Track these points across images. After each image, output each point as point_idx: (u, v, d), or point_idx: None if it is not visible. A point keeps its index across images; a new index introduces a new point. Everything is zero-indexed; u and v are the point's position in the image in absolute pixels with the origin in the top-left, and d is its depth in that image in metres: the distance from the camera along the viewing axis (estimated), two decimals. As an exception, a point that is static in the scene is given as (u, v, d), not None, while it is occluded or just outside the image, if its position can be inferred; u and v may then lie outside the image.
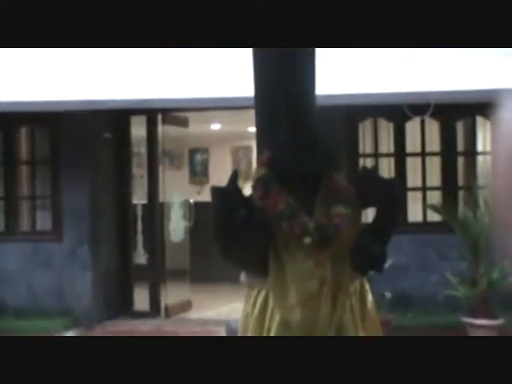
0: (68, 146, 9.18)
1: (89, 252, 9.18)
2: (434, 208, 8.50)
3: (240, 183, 3.33)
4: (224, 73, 8.02)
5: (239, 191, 3.28)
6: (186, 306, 9.97)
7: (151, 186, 9.89)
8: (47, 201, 9.46)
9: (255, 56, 3.79)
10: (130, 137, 9.92)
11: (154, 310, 9.63)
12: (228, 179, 3.29)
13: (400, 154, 9.04)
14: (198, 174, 14.90)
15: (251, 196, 3.28)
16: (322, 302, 3.14)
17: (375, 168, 4.03)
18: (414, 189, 8.99)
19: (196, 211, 10.06)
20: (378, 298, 5.45)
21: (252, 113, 3.87)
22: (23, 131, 9.64)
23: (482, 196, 7.95)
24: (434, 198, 8.98)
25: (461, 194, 9.07)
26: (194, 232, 10.10)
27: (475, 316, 7.68)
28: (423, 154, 9.06)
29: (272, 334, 3.17)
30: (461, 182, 9.07)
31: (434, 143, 9.11)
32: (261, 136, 3.81)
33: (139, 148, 11.39)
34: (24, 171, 9.64)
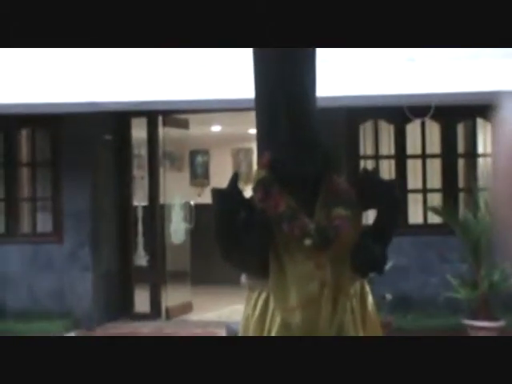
0: (69, 147, 9.18)
1: (89, 254, 9.18)
2: (435, 210, 8.50)
3: (240, 185, 3.33)
4: (224, 75, 8.02)
5: (240, 193, 3.28)
6: (187, 307, 9.97)
7: (152, 187, 9.90)
8: (48, 202, 9.46)
9: (255, 56, 3.79)
10: (131, 139, 9.92)
11: (155, 311, 9.63)
12: (228, 181, 3.29)
13: (400, 156, 9.04)
14: (199, 176, 14.90)
15: (252, 198, 3.28)
16: (322, 304, 3.14)
17: (376, 170, 4.04)
18: (415, 191, 8.99)
19: (196, 213, 10.06)
20: (379, 300, 5.45)
21: (252, 114, 3.87)
22: (24, 133, 9.64)
23: (482, 198, 7.95)
24: (435, 199, 8.98)
25: (461, 195, 9.07)
26: (194, 234, 10.10)
27: (476, 318, 7.68)
28: (424, 156, 9.06)
29: (272, 336, 3.17)
30: (461, 183, 9.07)
31: (434, 145, 9.11)
32: (261, 137, 3.81)
33: (140, 150, 11.39)
34: (24, 173, 9.65)
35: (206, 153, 15.23)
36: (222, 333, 7.17)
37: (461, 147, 9.14)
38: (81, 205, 9.15)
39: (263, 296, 3.25)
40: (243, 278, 3.47)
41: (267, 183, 3.22)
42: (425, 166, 9.05)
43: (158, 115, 9.63)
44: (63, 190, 9.26)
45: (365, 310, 3.31)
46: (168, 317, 9.57)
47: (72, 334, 8.57)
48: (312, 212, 3.22)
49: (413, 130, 9.04)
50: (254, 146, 4.90)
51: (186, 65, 8.16)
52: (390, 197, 3.38)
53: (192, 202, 10.25)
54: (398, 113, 8.66)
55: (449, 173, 8.99)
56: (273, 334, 3.17)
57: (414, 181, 9.04)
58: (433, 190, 9.05)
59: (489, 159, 8.69)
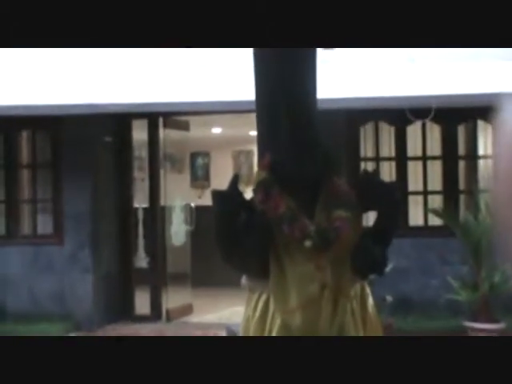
0: (69, 149, 9.19)
1: (90, 256, 9.18)
2: (435, 212, 8.50)
3: (241, 187, 3.33)
4: (225, 76, 8.02)
5: (240, 195, 3.28)
6: (187, 309, 9.97)
7: (152, 189, 9.89)
8: (48, 204, 9.46)
9: (255, 56, 3.79)
10: (131, 140, 9.92)
11: (155, 313, 9.62)
12: (229, 183, 3.29)
13: (401, 158, 9.04)
14: (199, 178, 14.91)
15: (252, 199, 3.28)
16: (322, 306, 3.13)
17: (376, 172, 4.04)
18: (415, 193, 8.99)
19: (197, 215, 10.06)
20: (379, 302, 5.45)
21: (253, 116, 3.87)
22: (24, 135, 9.64)
23: (483, 200, 7.95)
24: (435, 201, 8.98)
25: (462, 197, 9.07)
26: (195, 236, 10.10)
27: (477, 320, 7.67)
28: (424, 158, 9.06)
29: (273, 338, 3.17)
30: (462, 185, 9.07)
31: (435, 147, 9.10)
32: (261, 138, 3.80)
33: (140, 152, 11.40)
34: (25, 175, 9.65)
35: (206, 155, 15.23)
36: (223, 334, 7.17)
37: (461, 149, 9.14)
38: (81, 206, 9.15)
39: (263, 297, 3.25)
40: (243, 280, 3.46)
41: (267, 185, 3.22)
42: (425, 168, 9.05)
43: (158, 117, 9.63)
44: (63, 192, 9.26)
45: (365, 312, 3.31)
46: (168, 319, 9.56)
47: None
48: (312, 214, 3.22)
49: (413, 131, 9.04)
50: (254, 148, 4.92)
51: (186, 66, 8.16)
52: (391, 199, 3.38)
53: (192, 204, 10.24)
54: (399, 115, 8.66)
55: (449, 175, 8.99)
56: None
57: (414, 183, 9.04)
58: (433, 192, 9.05)
59: (489, 161, 8.69)
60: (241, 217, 3.21)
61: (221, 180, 5.39)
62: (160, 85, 8.21)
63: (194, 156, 13.38)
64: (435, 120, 8.82)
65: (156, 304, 9.65)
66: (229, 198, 3.26)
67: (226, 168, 14.23)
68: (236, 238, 3.20)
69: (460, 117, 8.94)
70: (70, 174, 9.19)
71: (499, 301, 7.83)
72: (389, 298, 7.87)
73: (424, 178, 9.05)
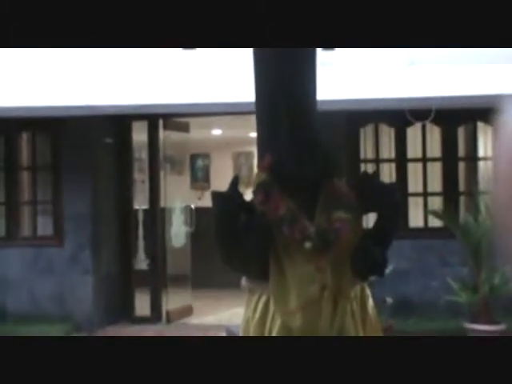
0: (69, 151, 9.19)
1: (90, 257, 9.18)
2: (435, 213, 8.50)
3: (241, 188, 3.33)
4: (225, 78, 8.02)
5: (240, 196, 3.28)
6: (187, 311, 9.97)
7: (152, 191, 9.89)
8: (48, 206, 9.46)
9: (255, 56, 3.79)
10: (131, 142, 9.92)
11: (155, 315, 9.62)
12: (229, 184, 3.29)
13: (401, 160, 9.04)
14: (199, 180, 14.89)
15: (252, 201, 3.28)
16: (322, 307, 3.13)
17: (376, 173, 4.04)
18: (415, 194, 8.99)
19: (197, 216, 10.06)
20: (379, 304, 5.44)
21: (253, 118, 3.87)
22: (24, 136, 9.64)
23: (483, 201, 7.95)
24: (435, 203, 8.98)
25: (462, 199, 9.07)
26: (195, 237, 10.10)
27: (477, 322, 7.67)
28: (424, 160, 9.06)
29: (273, 339, 3.16)
30: (462, 187, 9.07)
31: (435, 149, 9.11)
32: (261, 138, 3.81)
33: (140, 153, 11.38)
34: (25, 176, 9.65)
35: (206, 156, 15.22)
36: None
37: (461, 151, 9.14)
38: (81, 208, 9.15)
39: (263, 299, 3.24)
40: (243, 281, 3.46)
41: (267, 186, 3.22)
42: (425, 170, 9.05)
43: (158, 118, 9.63)
44: (64, 194, 9.26)
45: (365, 313, 3.30)
46: (168, 320, 9.56)
47: (72, 338, 8.57)
48: (312, 215, 3.21)
49: (413, 133, 9.05)
50: (254, 149, 4.92)
51: (186, 68, 8.16)
52: (391, 200, 3.38)
53: (192, 206, 10.24)
54: (399, 116, 8.67)
55: (449, 176, 8.99)
56: (273, 337, 3.17)
57: (414, 184, 9.04)
58: (433, 194, 9.05)
59: (489, 163, 8.69)
60: (241, 218, 3.21)
61: (221, 181, 5.39)
62: (160, 86, 8.21)
63: (193, 157, 13.37)
64: (435, 121, 8.83)
65: (156, 305, 9.65)
66: (229, 200, 3.26)
67: (225, 169, 14.21)
68: (236, 240, 3.20)
69: (460, 118, 8.94)
70: (70, 175, 9.19)
71: (499, 302, 7.83)
72: (389, 300, 7.87)
73: (424, 180, 9.06)
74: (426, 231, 8.94)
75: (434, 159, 9.06)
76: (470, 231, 7.83)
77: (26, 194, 9.61)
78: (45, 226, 9.43)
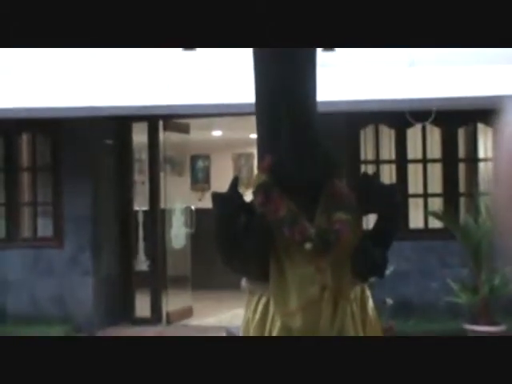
0: (69, 152, 9.19)
1: (90, 258, 9.18)
2: (436, 214, 8.50)
3: (241, 189, 3.33)
4: (225, 79, 8.02)
5: (240, 197, 3.28)
6: (188, 312, 9.97)
7: (153, 192, 9.89)
8: (48, 207, 9.46)
9: (255, 56, 3.79)
10: (132, 143, 9.92)
11: (156, 316, 9.62)
12: (229, 185, 3.29)
13: (401, 161, 9.04)
14: (200, 181, 14.89)
15: (252, 202, 3.28)
16: (322, 308, 3.13)
17: (376, 174, 4.04)
18: (416, 195, 8.99)
19: (197, 218, 10.06)
20: (380, 305, 5.44)
21: (253, 119, 3.87)
22: (24, 137, 9.65)
23: (483, 203, 7.95)
24: (436, 204, 8.98)
25: (462, 200, 9.07)
26: (195, 239, 10.10)
27: (477, 323, 7.67)
28: (424, 161, 9.06)
29: (273, 341, 3.16)
30: (462, 188, 9.07)
31: (435, 150, 9.11)
32: (261, 139, 3.80)
33: (141, 154, 11.39)
34: (25, 177, 9.65)
35: (206, 157, 15.22)
36: (223, 337, 7.16)
37: (462, 152, 9.14)
38: (81, 209, 9.15)
39: (263, 300, 3.24)
40: (243, 282, 3.46)
41: (267, 187, 3.22)
42: (425, 171, 9.05)
43: (158, 120, 9.63)
44: (64, 195, 9.26)
45: (365, 315, 3.30)
46: (168, 321, 9.56)
47: (72, 339, 8.57)
48: (312, 216, 3.21)
49: (414, 134, 9.05)
50: (254, 150, 4.92)
51: (186, 69, 8.16)
52: (391, 201, 3.38)
53: (193, 207, 10.24)
54: (399, 117, 8.66)
55: (449, 177, 8.99)
56: (273, 339, 3.17)
57: (414, 185, 9.04)
58: (433, 195, 9.05)
59: (490, 164, 8.68)
60: (241, 219, 3.21)
61: (221, 183, 5.39)
62: (160, 87, 8.20)
63: (194, 159, 13.37)
64: (435, 123, 8.83)
65: (156, 307, 9.65)
66: (229, 201, 3.26)
67: (226, 171, 14.21)
68: (236, 241, 3.20)
69: (460, 119, 8.94)
70: (70, 176, 9.19)
71: (499, 303, 7.83)
72: (389, 301, 7.87)
73: (424, 181, 9.06)
74: (426, 232, 8.93)
75: (435, 160, 9.06)
76: (470, 232, 7.83)
77: (26, 195, 9.61)
78: (45, 228, 9.42)
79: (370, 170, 8.62)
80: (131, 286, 9.79)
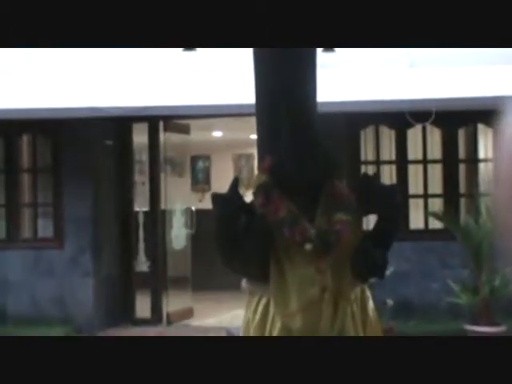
0: (69, 153, 9.19)
1: (90, 259, 9.18)
2: (436, 215, 8.49)
3: (241, 190, 3.33)
4: (226, 80, 8.02)
5: (240, 198, 3.28)
6: (188, 313, 9.96)
7: (153, 193, 9.89)
8: (49, 208, 9.46)
9: (255, 56, 3.79)
10: (132, 144, 9.92)
11: (156, 317, 9.62)
12: (229, 186, 3.29)
13: (402, 161, 9.04)
14: (200, 182, 14.89)
15: (252, 203, 3.28)
16: (323, 309, 3.13)
17: (377, 175, 4.04)
18: (416, 196, 8.98)
19: (198, 218, 10.06)
20: (380, 306, 5.44)
21: (254, 120, 3.87)
22: (25, 138, 9.64)
23: (483, 203, 7.94)
24: (436, 205, 8.97)
25: (462, 201, 9.06)
26: (195, 239, 10.10)
27: (477, 323, 7.66)
28: (425, 161, 9.06)
29: (273, 341, 3.16)
30: (462, 189, 9.06)
31: (435, 150, 9.10)
32: (262, 140, 3.80)
33: (141, 155, 11.39)
34: (25, 178, 9.64)
35: (207, 158, 15.22)
36: (223, 338, 7.16)
37: (462, 152, 9.14)
38: (82, 210, 9.15)
39: (264, 301, 3.24)
40: (243, 283, 3.46)
41: (268, 188, 3.22)
42: (426, 172, 9.05)
43: (159, 121, 9.63)
44: (64, 196, 9.26)
45: (365, 315, 3.30)
46: (169, 322, 9.56)
47: (73, 340, 8.57)
48: (313, 217, 3.21)
49: (414, 135, 9.04)
50: (255, 151, 4.91)
51: (187, 70, 8.16)
52: (391, 202, 3.37)
53: (193, 208, 10.24)
54: (399, 118, 8.66)
55: (450, 178, 8.99)
56: (273, 339, 3.17)
57: (415, 186, 9.04)
58: (434, 196, 9.05)
59: (490, 164, 8.68)
60: (241, 220, 3.21)
61: (221, 183, 5.39)
62: (160, 88, 8.20)
63: (194, 159, 13.37)
64: (435, 123, 8.82)
65: (157, 307, 9.65)
66: (229, 202, 3.26)
67: (226, 171, 14.21)
68: (236, 242, 3.20)
69: (460, 120, 8.94)
70: (71, 177, 9.19)
71: (500, 304, 7.83)
72: (389, 302, 7.86)
73: (424, 182, 9.05)
74: (426, 233, 8.93)
75: (435, 161, 9.06)
76: (470, 233, 7.83)
77: (26, 196, 9.60)
78: (45, 228, 9.42)
79: (371, 170, 8.62)
80: (131, 286, 9.79)
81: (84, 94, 8.19)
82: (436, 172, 9.09)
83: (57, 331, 8.42)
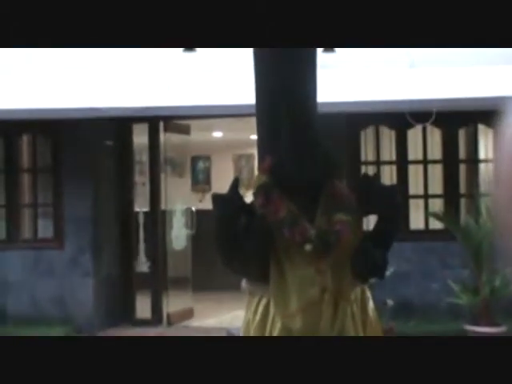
0: (70, 153, 9.19)
1: (90, 260, 9.18)
2: (436, 215, 8.49)
3: (242, 191, 3.32)
4: (226, 80, 8.02)
5: (240, 198, 3.28)
6: (188, 313, 9.96)
7: (153, 193, 9.89)
8: (49, 208, 9.46)
9: (255, 56, 3.79)
10: (132, 144, 9.92)
11: (156, 317, 9.61)
12: (229, 186, 3.29)
13: (402, 162, 9.04)
14: (200, 182, 14.90)
15: (252, 203, 3.28)
16: (323, 309, 3.13)
17: (377, 175, 4.04)
18: (416, 196, 8.98)
19: (198, 219, 10.06)
20: (380, 306, 5.44)
21: (254, 121, 3.87)
22: (25, 139, 9.64)
23: (483, 204, 7.94)
24: (436, 205, 8.97)
25: (463, 201, 9.06)
26: (195, 240, 10.10)
27: (477, 324, 7.66)
28: (425, 162, 9.06)
29: (273, 342, 3.16)
30: (463, 189, 9.06)
31: (435, 151, 9.10)
32: (262, 140, 3.80)
33: (141, 156, 11.39)
34: (25, 179, 9.64)
35: (207, 159, 15.22)
36: (223, 339, 7.16)
37: (462, 153, 9.14)
38: (82, 211, 9.15)
39: (264, 301, 3.24)
40: (244, 284, 3.46)
41: (268, 188, 3.22)
42: (426, 172, 9.05)
43: (159, 121, 9.63)
44: (64, 196, 9.26)
45: (365, 316, 3.30)
46: (169, 323, 9.56)
47: (73, 340, 8.56)
48: (313, 217, 3.21)
49: (414, 135, 9.04)
50: (255, 151, 4.91)
51: (187, 70, 8.16)
52: (391, 202, 3.37)
53: (193, 208, 10.24)
54: (400, 118, 8.66)
55: (450, 178, 8.99)
56: (273, 340, 3.17)
57: (415, 186, 9.04)
58: (434, 196, 9.05)
59: (490, 165, 8.68)
60: (241, 220, 3.21)
61: (222, 184, 5.39)
62: (160, 88, 8.20)
63: (194, 160, 13.38)
64: (436, 124, 8.82)
65: (157, 308, 9.64)
66: (229, 202, 3.26)
67: (226, 172, 14.21)
68: (236, 242, 3.20)
69: (461, 120, 8.94)
70: (71, 178, 9.19)
71: (500, 304, 7.83)
72: (389, 302, 7.86)
73: (425, 182, 9.05)
74: (426, 233, 8.93)
75: (435, 161, 9.06)
76: (470, 233, 7.83)
77: (26, 197, 9.60)
78: (45, 229, 9.42)
79: (371, 171, 8.62)
80: (132, 287, 9.79)
81: (84, 95, 8.19)
82: (436, 172, 9.09)
83: (57, 331, 8.42)
